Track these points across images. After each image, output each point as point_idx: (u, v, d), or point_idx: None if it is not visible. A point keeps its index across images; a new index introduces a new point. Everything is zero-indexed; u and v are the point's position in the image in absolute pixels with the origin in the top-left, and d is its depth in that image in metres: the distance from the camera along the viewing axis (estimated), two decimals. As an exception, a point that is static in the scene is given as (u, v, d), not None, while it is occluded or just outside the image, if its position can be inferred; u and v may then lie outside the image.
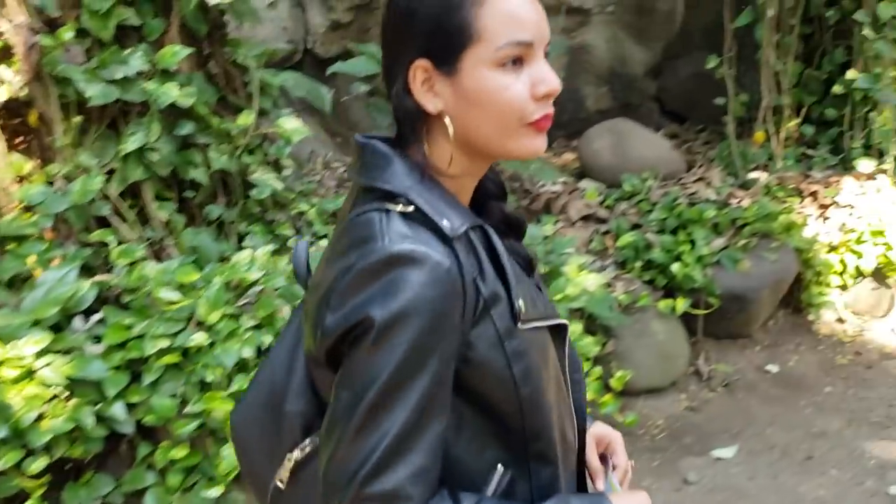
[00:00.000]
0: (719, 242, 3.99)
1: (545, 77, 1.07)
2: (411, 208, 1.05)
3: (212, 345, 2.88)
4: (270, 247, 3.36)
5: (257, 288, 3.07)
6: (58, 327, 2.86)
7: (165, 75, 3.36)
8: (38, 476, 2.57)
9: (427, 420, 1.02)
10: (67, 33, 3.04)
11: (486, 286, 1.08)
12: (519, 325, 1.10)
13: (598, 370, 3.45)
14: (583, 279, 3.53)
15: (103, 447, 2.91)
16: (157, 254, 3.46)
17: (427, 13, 1.06)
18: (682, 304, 3.78)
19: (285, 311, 3.03)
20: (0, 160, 3.09)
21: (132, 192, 3.45)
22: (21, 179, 3.18)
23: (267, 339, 2.91)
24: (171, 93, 3.26)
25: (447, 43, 1.06)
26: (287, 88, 4.77)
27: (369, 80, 5.35)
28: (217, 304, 2.93)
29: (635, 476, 1.89)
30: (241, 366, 2.90)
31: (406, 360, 1.00)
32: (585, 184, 4.82)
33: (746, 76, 5.22)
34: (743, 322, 4.07)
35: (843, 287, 4.26)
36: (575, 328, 3.39)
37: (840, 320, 4.23)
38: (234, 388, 2.84)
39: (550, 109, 1.09)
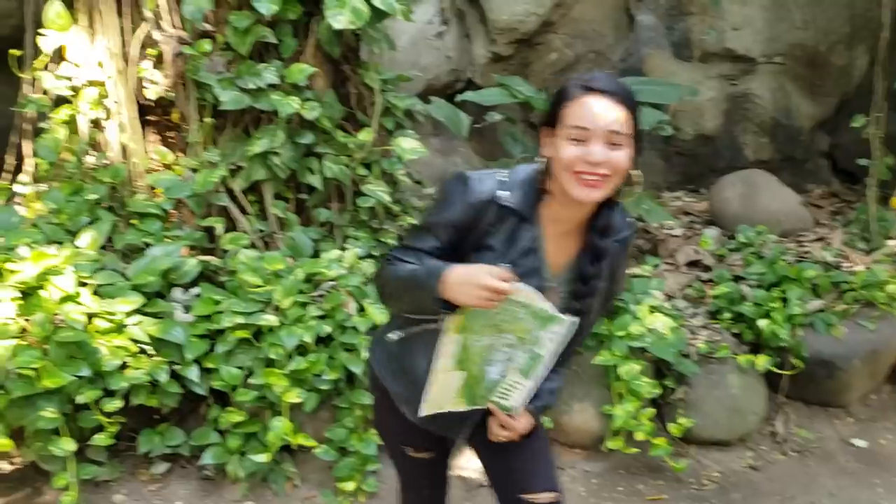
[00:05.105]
0: (816, 304, 3.84)
1: (588, 152, 1.71)
2: (502, 176, 1.87)
3: (280, 327, 3.23)
4: (359, 251, 3.68)
5: (331, 283, 3.39)
6: (160, 295, 3.33)
7: (296, 89, 3.79)
8: (112, 414, 3.02)
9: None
10: (206, 45, 3.53)
11: (494, 231, 1.84)
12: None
13: (650, 411, 3.48)
14: (651, 320, 3.56)
15: (184, 405, 3.35)
16: (268, 245, 3.89)
17: (552, 103, 1.83)
18: (763, 361, 3.68)
19: (350, 307, 3.33)
20: (138, 149, 3.63)
21: (258, 190, 3.91)
22: (166, 167, 3.72)
23: (327, 329, 3.23)
24: (293, 105, 3.67)
25: (553, 120, 1.80)
26: (429, 112, 5.17)
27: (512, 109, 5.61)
28: (292, 291, 3.28)
29: None
30: (301, 350, 3.24)
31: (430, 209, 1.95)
32: (709, 231, 4.79)
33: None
34: (833, 390, 3.88)
35: (962, 370, 3.93)
36: (633, 367, 3.44)
37: (955, 405, 3.92)
38: (292, 367, 3.17)
39: (596, 171, 1.71)
